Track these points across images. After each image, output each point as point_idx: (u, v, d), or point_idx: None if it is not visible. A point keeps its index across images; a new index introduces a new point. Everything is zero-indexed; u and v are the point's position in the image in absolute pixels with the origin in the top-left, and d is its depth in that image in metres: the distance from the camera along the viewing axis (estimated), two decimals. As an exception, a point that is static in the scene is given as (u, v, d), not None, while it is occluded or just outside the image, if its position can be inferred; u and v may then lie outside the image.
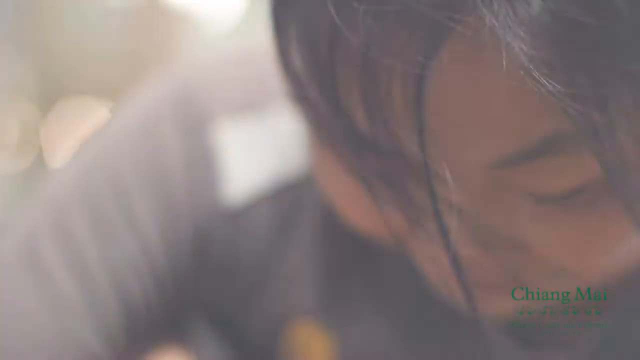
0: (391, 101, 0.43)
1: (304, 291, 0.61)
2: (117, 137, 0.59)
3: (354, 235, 0.55)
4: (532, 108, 0.43)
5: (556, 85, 0.40)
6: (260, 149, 0.59)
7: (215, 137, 0.59)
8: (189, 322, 0.63)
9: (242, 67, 0.62)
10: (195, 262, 0.59)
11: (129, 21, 2.22)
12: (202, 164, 0.59)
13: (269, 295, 0.61)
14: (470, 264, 0.47)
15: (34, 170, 2.06)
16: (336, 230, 0.58)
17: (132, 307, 0.57)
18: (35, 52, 2.19)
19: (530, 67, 0.40)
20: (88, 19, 2.20)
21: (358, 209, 0.52)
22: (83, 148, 0.61)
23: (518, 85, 0.41)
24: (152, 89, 0.62)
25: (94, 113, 2.03)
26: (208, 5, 2.23)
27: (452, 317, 0.58)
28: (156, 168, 0.58)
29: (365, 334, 0.60)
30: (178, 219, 0.58)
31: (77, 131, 1.92)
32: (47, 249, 0.56)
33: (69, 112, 2.14)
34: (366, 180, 0.47)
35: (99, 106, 2.07)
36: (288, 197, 0.60)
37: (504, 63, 0.41)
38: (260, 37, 0.52)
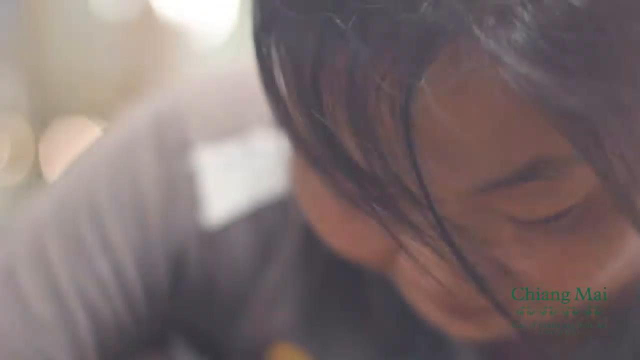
0: (379, 123, 0.43)
1: (284, 314, 0.61)
2: (97, 161, 0.61)
3: (335, 256, 0.55)
4: (517, 133, 0.43)
5: (545, 106, 0.41)
6: (240, 172, 0.60)
7: (194, 162, 0.60)
8: (169, 342, 0.63)
9: (227, 90, 0.62)
10: (170, 284, 0.60)
11: (123, 37, 2.21)
12: (179, 188, 0.59)
13: (248, 317, 0.61)
14: (454, 288, 0.48)
15: (27, 188, 2.05)
16: (317, 251, 0.58)
17: (103, 327, 0.58)
18: (28, 70, 2.19)
19: (520, 89, 0.40)
20: (81, 36, 2.19)
21: (341, 233, 0.51)
22: (66, 170, 0.62)
23: (502, 109, 0.41)
24: (136, 114, 0.63)
25: (87, 132, 2.03)
26: (200, 19, 2.23)
27: (435, 339, 0.58)
28: (132, 193, 0.59)
29: (347, 356, 0.60)
30: (152, 243, 0.59)
31: (70, 151, 1.92)
32: (23, 269, 0.58)
33: (63, 131, 2.14)
34: (354, 203, 0.47)
35: (92, 126, 2.07)
36: (267, 219, 0.60)
37: (490, 86, 0.41)
38: (252, 51, 0.52)
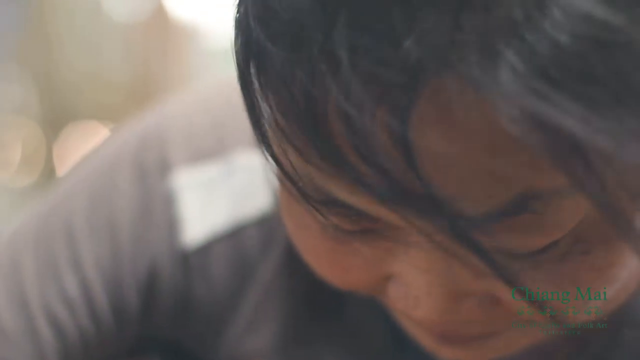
0: (379, 149, 0.43)
1: (266, 334, 0.61)
2: (79, 181, 0.63)
3: (319, 277, 0.54)
4: (504, 167, 0.43)
5: (535, 141, 0.41)
6: (220, 193, 0.61)
7: (173, 183, 0.61)
8: (147, 355, 0.64)
9: (212, 110, 0.63)
10: (141, 303, 0.61)
11: (134, 38, 2.22)
12: (155, 210, 0.60)
13: (229, 336, 0.62)
14: (444, 315, 0.48)
15: (38, 191, 2.06)
16: (300, 271, 0.58)
17: (67, 341, 0.60)
18: (39, 73, 2.20)
19: (506, 124, 0.40)
20: (92, 38, 2.20)
21: (329, 263, 0.51)
22: (54, 188, 0.64)
23: (490, 143, 0.42)
24: (123, 133, 0.64)
25: (99, 136, 2.03)
26: (212, 19, 2.23)
27: (423, 358, 0.58)
28: (106, 213, 0.61)
29: None
30: (122, 263, 0.60)
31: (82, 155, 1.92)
32: None
33: (74, 135, 2.15)
34: (340, 235, 0.48)
35: (103, 129, 2.08)
36: (246, 239, 0.61)
37: (476, 121, 0.41)
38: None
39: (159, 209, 0.60)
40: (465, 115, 0.41)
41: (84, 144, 2.07)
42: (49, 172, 2.14)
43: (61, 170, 2.09)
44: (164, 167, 0.61)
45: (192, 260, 0.60)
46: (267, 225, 0.60)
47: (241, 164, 0.61)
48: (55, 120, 2.15)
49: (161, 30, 2.23)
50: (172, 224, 0.60)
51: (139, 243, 0.60)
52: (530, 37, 0.40)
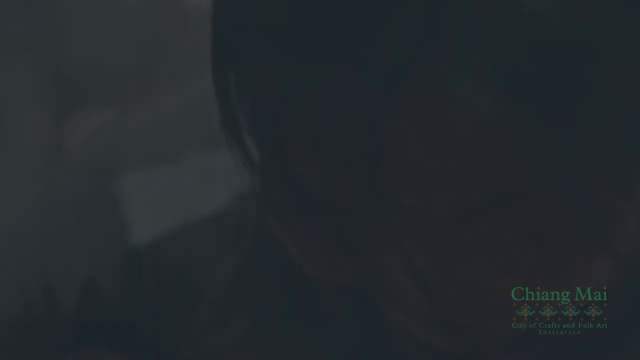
0: (351, 156, 0.44)
1: (234, 330, 0.62)
2: (47, 186, 0.67)
3: (284, 271, 0.56)
4: (484, 162, 0.44)
5: (512, 138, 0.42)
6: (169, 195, 0.62)
7: (122, 185, 0.63)
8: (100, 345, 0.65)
9: (169, 115, 0.65)
10: (78, 298, 0.63)
11: (144, 24, 2.23)
12: (100, 208, 0.62)
13: (189, 333, 0.63)
14: (435, 307, 0.49)
15: (44, 176, 2.07)
16: (269, 268, 0.60)
17: (2, 332, 0.63)
18: (49, 60, 2.21)
19: (483, 121, 0.42)
20: (102, 24, 2.21)
21: (317, 262, 0.53)
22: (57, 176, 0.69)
23: (467, 139, 0.43)
24: (89, 140, 0.68)
25: (107, 123, 2.04)
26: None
27: (402, 349, 0.59)
28: (50, 210, 0.64)
29: None
30: (59, 256, 0.63)
31: (89, 142, 1.94)
32: None
33: (83, 122, 2.16)
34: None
35: (111, 116, 2.09)
36: (198, 237, 0.62)
37: (455, 117, 0.43)
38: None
39: (104, 208, 0.62)
40: (439, 116, 0.42)
41: (94, 130, 2.08)
42: (57, 158, 2.15)
43: (70, 157, 2.10)
44: (114, 172, 0.62)
45: (139, 259, 0.62)
46: (224, 225, 0.61)
47: (193, 166, 0.62)
48: (65, 106, 2.17)
49: (171, 15, 2.24)
50: (117, 224, 0.62)
51: (78, 240, 0.62)
52: (500, 41, 0.41)
